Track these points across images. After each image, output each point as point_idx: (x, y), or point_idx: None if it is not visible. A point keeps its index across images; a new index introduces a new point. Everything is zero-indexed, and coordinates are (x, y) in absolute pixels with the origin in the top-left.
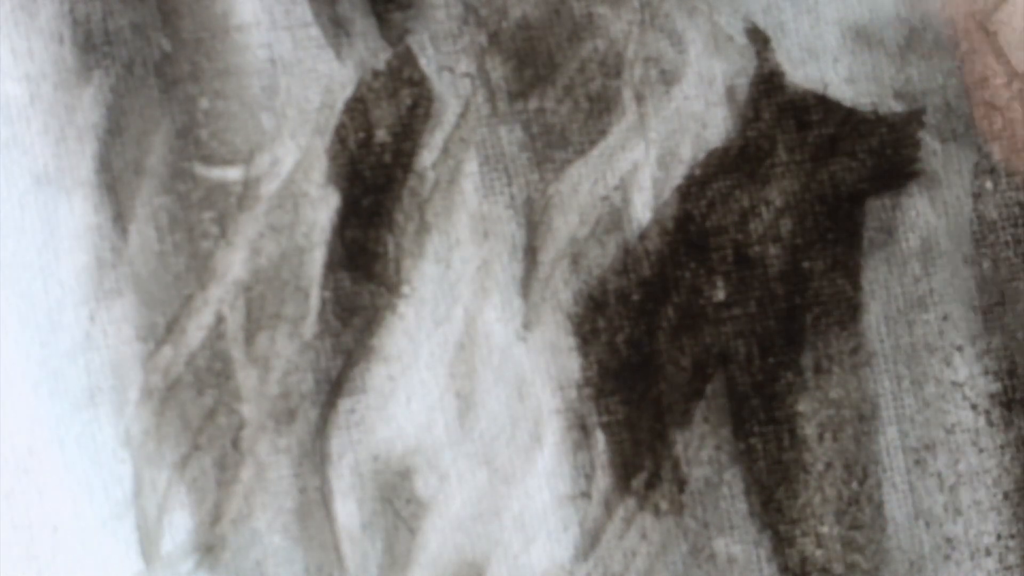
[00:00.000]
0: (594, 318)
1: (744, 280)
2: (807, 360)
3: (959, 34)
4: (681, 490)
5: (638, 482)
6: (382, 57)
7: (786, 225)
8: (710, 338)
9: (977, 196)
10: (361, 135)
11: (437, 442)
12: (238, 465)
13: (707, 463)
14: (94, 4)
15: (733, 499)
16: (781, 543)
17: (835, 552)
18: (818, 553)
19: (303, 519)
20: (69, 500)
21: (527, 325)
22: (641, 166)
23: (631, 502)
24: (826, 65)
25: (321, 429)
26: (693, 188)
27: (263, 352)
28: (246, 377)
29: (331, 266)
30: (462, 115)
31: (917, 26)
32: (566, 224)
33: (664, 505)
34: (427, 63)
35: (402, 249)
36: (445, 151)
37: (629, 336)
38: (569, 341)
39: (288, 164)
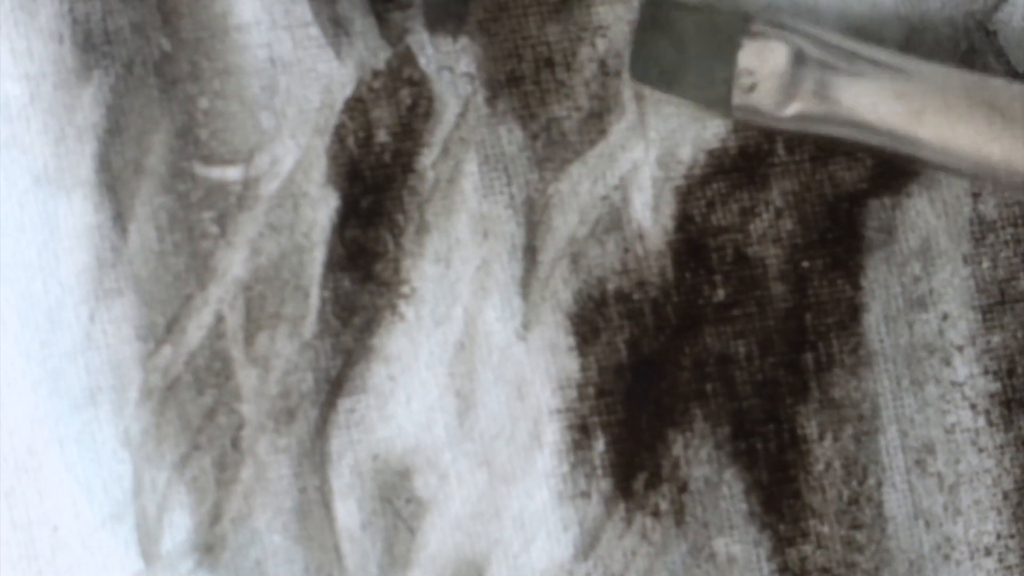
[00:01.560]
0: (594, 318)
1: (744, 280)
2: (807, 360)
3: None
4: (681, 490)
5: (638, 482)
6: (382, 57)
7: (786, 225)
8: (710, 338)
9: (976, 196)
10: (361, 135)
11: (437, 442)
12: (238, 465)
13: (707, 463)
14: (94, 4)
15: (733, 499)
16: (781, 543)
17: (835, 552)
18: (818, 553)
19: (303, 518)
20: (69, 500)
21: (527, 325)
22: (641, 166)
23: (631, 502)
24: None
25: (321, 429)
26: (693, 188)
27: (263, 352)
28: (246, 377)
29: (331, 266)
30: (462, 115)
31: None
32: (566, 224)
33: (664, 505)
34: (427, 63)
35: (402, 249)
36: (445, 151)
37: (629, 336)
38: (569, 341)
39: (288, 164)
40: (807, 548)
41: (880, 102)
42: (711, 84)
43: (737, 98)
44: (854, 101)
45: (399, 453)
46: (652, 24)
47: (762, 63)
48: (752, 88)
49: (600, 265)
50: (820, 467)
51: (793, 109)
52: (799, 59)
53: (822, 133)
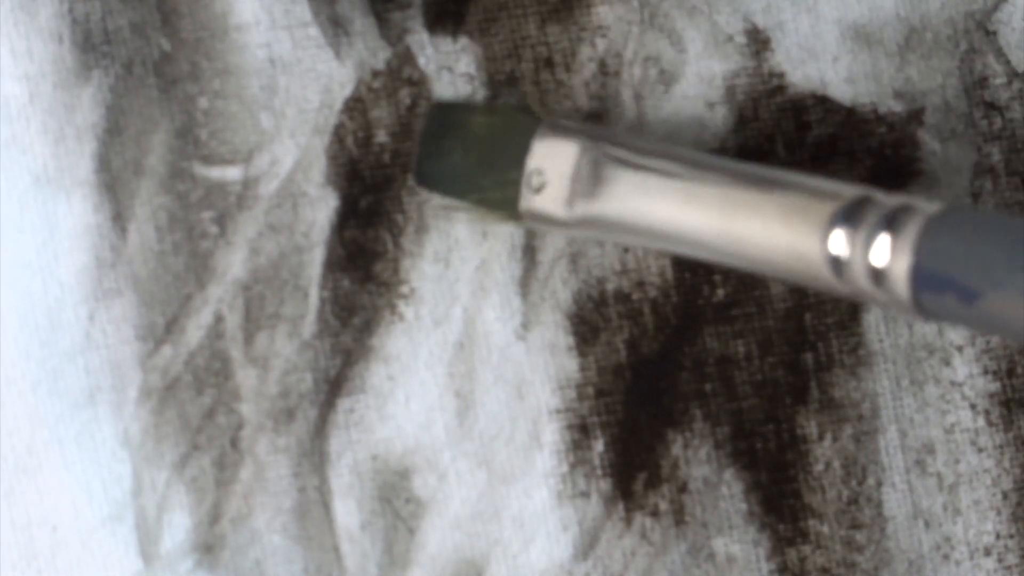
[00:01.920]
0: (593, 318)
1: (743, 280)
2: (807, 360)
3: (959, 34)
4: (680, 490)
5: (637, 482)
6: (381, 57)
7: None
8: (709, 338)
9: (976, 196)
10: (360, 135)
11: (436, 442)
12: (237, 465)
13: (706, 463)
14: (93, 4)
15: (732, 499)
16: (780, 543)
17: (834, 552)
18: (817, 553)
19: (302, 518)
20: (68, 500)
21: (526, 325)
22: None
23: (630, 502)
24: (825, 65)
25: (320, 429)
26: None
27: (262, 352)
28: (245, 377)
29: (330, 266)
30: None
31: (917, 26)
32: None
33: (663, 505)
34: (426, 63)
35: (401, 249)
36: None
37: (628, 336)
38: (568, 341)
39: (287, 164)
40: (806, 548)
41: (668, 208)
42: (498, 186)
43: (524, 200)
44: (642, 205)
45: (398, 453)
46: (441, 128)
47: (552, 164)
48: (540, 189)
49: (599, 265)
50: (820, 467)
51: (580, 211)
52: (589, 161)
53: (611, 237)
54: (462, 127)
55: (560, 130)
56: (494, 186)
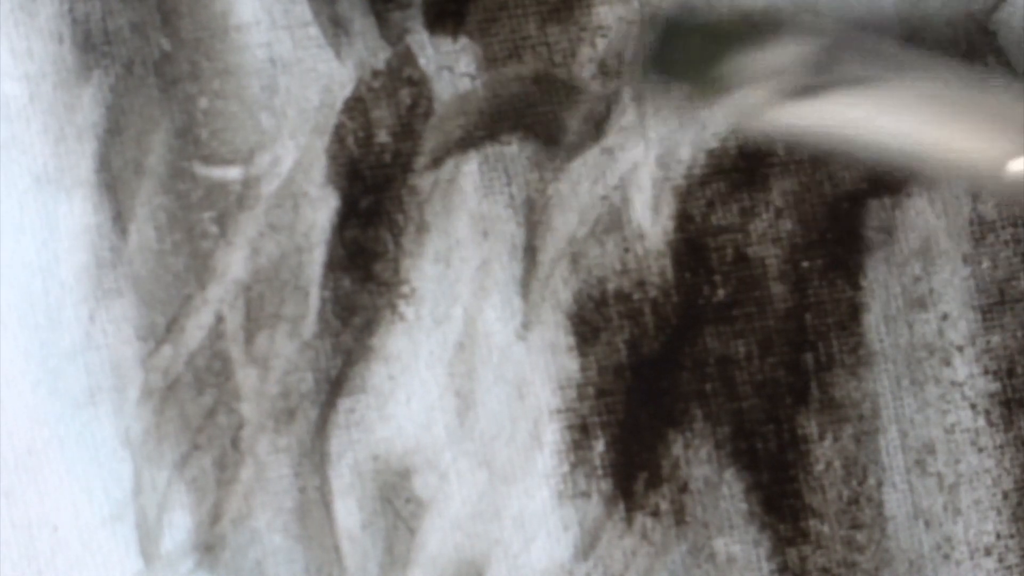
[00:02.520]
0: (594, 318)
1: (744, 280)
2: (807, 360)
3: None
4: (681, 490)
5: (638, 482)
6: (381, 56)
7: (786, 225)
8: (710, 338)
9: (976, 196)
10: (360, 135)
11: (437, 442)
12: (238, 464)
13: (707, 463)
14: (94, 3)
15: (733, 499)
16: (781, 543)
17: (835, 552)
18: (818, 553)
19: (303, 518)
20: (69, 499)
21: (527, 325)
22: (640, 166)
23: (631, 502)
24: None
25: (321, 429)
26: (693, 188)
27: (263, 352)
28: (246, 376)
29: (331, 266)
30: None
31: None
32: (565, 224)
33: (664, 505)
34: (426, 63)
35: (401, 249)
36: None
37: (629, 336)
38: (569, 341)
39: (288, 163)
40: (807, 548)
41: (868, 112)
42: (721, 74)
43: (731, 93)
44: (847, 110)
45: (399, 453)
46: (680, 21)
47: (766, 63)
48: (750, 83)
49: (600, 265)
50: (820, 467)
51: (794, 109)
52: (813, 60)
53: (820, 139)
54: (703, 21)
55: (799, 25)
56: (716, 74)
